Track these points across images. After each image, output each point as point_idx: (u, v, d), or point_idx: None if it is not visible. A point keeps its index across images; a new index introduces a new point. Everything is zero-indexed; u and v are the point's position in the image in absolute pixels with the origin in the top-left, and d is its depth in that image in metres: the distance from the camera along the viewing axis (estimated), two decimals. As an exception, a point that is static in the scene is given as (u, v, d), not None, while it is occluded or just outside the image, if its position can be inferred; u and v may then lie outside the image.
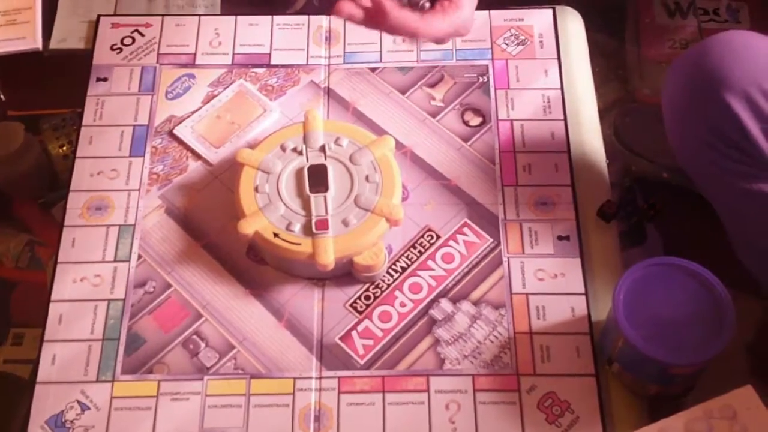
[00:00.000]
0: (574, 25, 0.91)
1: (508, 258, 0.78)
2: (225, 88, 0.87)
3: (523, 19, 0.90)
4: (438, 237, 0.79)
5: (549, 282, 0.77)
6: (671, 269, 0.68)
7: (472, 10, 0.68)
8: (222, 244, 0.79)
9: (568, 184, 0.81)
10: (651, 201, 0.82)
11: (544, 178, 0.81)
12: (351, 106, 0.86)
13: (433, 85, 0.87)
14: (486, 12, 0.90)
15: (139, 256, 0.78)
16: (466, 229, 0.79)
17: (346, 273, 0.77)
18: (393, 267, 0.78)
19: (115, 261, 0.78)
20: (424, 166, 0.83)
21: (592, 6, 0.93)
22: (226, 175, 0.82)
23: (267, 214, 0.75)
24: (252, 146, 0.81)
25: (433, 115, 0.85)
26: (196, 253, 0.79)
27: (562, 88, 0.86)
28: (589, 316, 0.75)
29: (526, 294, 0.76)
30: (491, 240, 0.79)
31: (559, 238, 0.78)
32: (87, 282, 0.77)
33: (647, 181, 0.85)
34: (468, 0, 0.68)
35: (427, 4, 0.67)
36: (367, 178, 0.77)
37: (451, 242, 0.79)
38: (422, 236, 0.79)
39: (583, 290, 0.76)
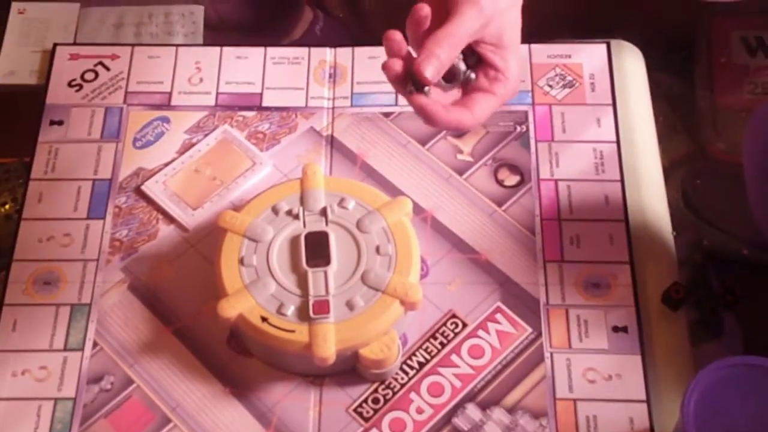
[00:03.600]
0: (632, 63, 0.91)
1: (551, 353, 0.77)
2: (206, 136, 0.88)
3: (570, 56, 0.90)
4: (464, 325, 0.79)
5: (602, 385, 0.76)
6: (755, 371, 0.67)
7: (519, 71, 0.70)
8: (197, 329, 0.79)
9: (625, 261, 0.81)
10: (728, 284, 0.81)
11: (596, 252, 0.81)
12: (359, 159, 0.86)
13: (459, 136, 0.87)
14: (526, 47, 0.90)
15: (95, 344, 0.78)
16: (499, 316, 0.79)
17: (350, 369, 0.76)
18: (408, 362, 0.77)
19: (65, 350, 0.78)
20: (447, 236, 0.83)
21: (655, 40, 0.93)
22: (204, 244, 0.83)
23: (254, 292, 0.75)
24: (237, 208, 0.82)
25: (460, 172, 0.86)
26: (166, 340, 0.78)
27: (618, 141, 0.86)
28: (652, 429, 0.74)
29: (574, 400, 0.75)
30: (530, 330, 0.78)
31: (615, 329, 0.78)
32: (29, 376, 0.77)
33: (724, 258, 0.85)
34: (514, 62, 0.69)
35: (472, 75, 0.69)
36: (377, 249, 0.77)
37: (481, 332, 0.78)
38: (445, 324, 0.79)
39: (644, 396, 0.75)
